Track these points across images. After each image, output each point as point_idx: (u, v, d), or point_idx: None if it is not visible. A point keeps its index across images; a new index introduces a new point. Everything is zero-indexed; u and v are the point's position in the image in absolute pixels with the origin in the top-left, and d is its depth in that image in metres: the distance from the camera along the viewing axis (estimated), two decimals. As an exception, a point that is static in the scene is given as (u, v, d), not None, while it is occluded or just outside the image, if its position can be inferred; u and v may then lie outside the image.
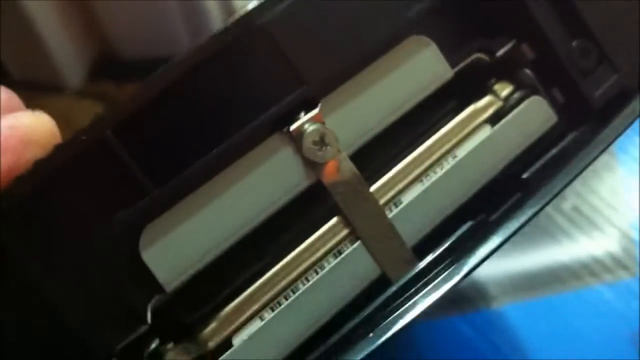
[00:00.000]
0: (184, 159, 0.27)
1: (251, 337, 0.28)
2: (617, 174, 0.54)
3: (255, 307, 0.28)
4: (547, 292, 0.48)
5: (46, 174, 0.25)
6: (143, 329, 0.26)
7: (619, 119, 0.31)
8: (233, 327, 0.28)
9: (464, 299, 0.48)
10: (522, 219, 0.30)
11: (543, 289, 0.49)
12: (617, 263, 0.50)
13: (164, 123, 0.27)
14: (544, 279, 0.49)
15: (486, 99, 0.32)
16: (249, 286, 0.29)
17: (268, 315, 0.28)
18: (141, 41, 0.75)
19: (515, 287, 0.49)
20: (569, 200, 0.52)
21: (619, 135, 0.31)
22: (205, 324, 0.28)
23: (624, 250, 0.50)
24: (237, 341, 0.28)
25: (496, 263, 0.49)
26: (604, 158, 0.45)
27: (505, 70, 0.33)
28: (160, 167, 0.26)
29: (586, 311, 0.48)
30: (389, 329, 0.28)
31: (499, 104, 0.32)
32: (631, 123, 0.31)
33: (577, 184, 0.51)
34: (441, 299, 0.29)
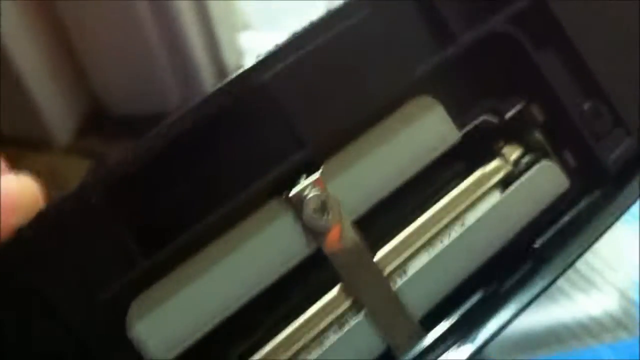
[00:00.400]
0: (177, 226, 0.25)
1: None
2: (616, 232, 0.51)
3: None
4: (546, 352, 0.47)
5: (28, 240, 0.23)
6: None
7: (634, 184, 0.30)
8: None
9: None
10: (535, 290, 0.28)
11: (541, 349, 0.47)
12: (616, 323, 0.48)
13: (155, 187, 0.25)
14: (542, 338, 0.47)
15: (494, 163, 0.31)
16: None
17: None
18: (130, 97, 0.75)
19: (513, 347, 0.47)
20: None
21: (635, 200, 0.30)
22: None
23: (624, 310, 0.48)
24: None
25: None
26: None
27: (515, 132, 0.31)
28: (151, 235, 0.25)
29: None
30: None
31: (508, 168, 0.31)
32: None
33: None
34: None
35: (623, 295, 0.49)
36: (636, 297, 0.49)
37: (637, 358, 0.46)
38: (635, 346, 0.47)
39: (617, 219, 0.30)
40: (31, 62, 0.67)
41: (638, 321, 0.48)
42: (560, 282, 0.48)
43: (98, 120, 0.75)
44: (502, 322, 0.28)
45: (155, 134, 0.24)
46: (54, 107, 0.71)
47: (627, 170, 0.31)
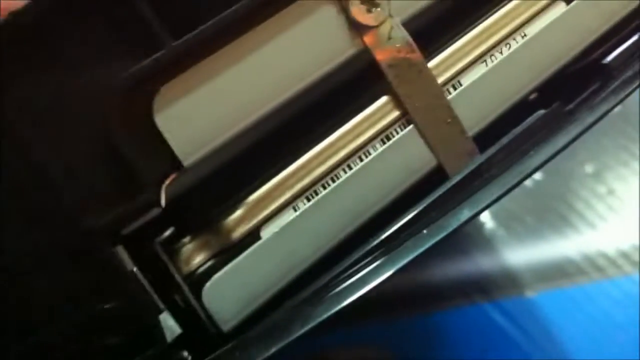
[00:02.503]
0: (208, 9, 0.22)
1: (283, 229, 0.23)
2: (627, 165, 0.49)
3: (289, 195, 0.24)
4: (582, 280, 0.45)
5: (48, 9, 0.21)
6: (154, 212, 0.22)
7: None
8: (262, 216, 0.24)
9: (495, 285, 0.44)
10: (603, 108, 0.25)
11: (578, 276, 0.45)
12: (625, 258, 0.46)
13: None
14: (579, 266, 0.45)
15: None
16: (281, 171, 0.24)
17: (303, 205, 0.24)
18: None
19: (549, 274, 0.45)
20: (605, 184, 0.48)
21: None
22: (230, 212, 0.23)
23: (633, 245, 0.46)
24: (265, 233, 0.23)
25: (529, 249, 0.45)
26: None
27: None
28: (179, 16, 0.22)
29: (623, 300, 0.44)
30: (444, 227, 0.24)
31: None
32: None
33: (613, 166, 0.48)
34: (504, 199, 0.24)
35: (633, 229, 0.46)
36: (646, 230, 0.46)
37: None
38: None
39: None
40: None
41: (647, 255, 0.46)
42: (599, 206, 0.47)
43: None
44: (568, 141, 0.25)
45: None
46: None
47: None
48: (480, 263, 0.45)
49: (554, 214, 0.46)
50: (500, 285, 0.44)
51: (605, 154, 0.48)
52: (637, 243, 0.46)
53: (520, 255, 0.45)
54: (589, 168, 0.48)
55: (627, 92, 0.26)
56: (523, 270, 0.45)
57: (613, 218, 0.47)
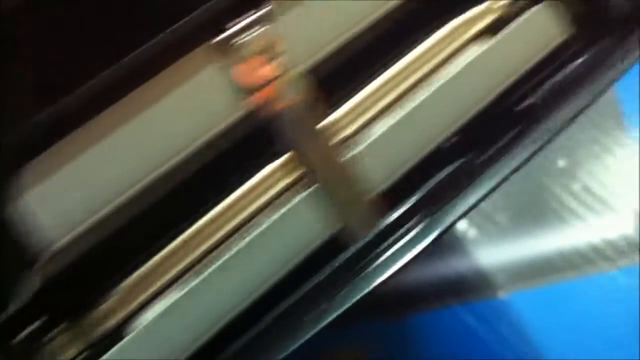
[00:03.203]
0: (79, 73, 0.20)
1: (162, 315, 0.21)
2: (629, 149, 0.48)
3: (171, 274, 0.22)
4: (557, 279, 0.45)
5: None
6: (13, 308, 0.20)
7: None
8: (139, 301, 0.22)
9: (468, 287, 0.44)
10: (522, 156, 0.24)
11: (552, 275, 0.45)
12: (632, 246, 0.45)
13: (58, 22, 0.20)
14: (554, 264, 0.45)
15: (482, 7, 0.25)
16: (161, 250, 0.22)
17: (186, 286, 0.22)
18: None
19: (523, 274, 0.45)
20: (579, 180, 0.47)
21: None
22: (103, 299, 0.21)
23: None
24: (142, 322, 0.21)
25: (502, 249, 0.45)
26: (614, 133, 0.45)
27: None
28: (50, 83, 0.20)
29: (599, 298, 0.44)
30: (348, 298, 0.22)
31: (497, 13, 0.25)
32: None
33: (587, 162, 0.47)
34: (416, 261, 0.23)
35: (606, 225, 0.46)
36: (654, 216, 0.46)
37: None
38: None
39: (622, 73, 0.24)
40: None
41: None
42: (572, 203, 0.46)
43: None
44: (477, 198, 0.23)
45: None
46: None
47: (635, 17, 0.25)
48: (452, 265, 0.44)
49: (527, 212, 0.46)
50: (472, 287, 0.44)
51: (577, 148, 0.47)
52: (611, 239, 0.45)
53: (492, 255, 0.44)
54: (561, 163, 0.47)
55: (550, 136, 0.24)
56: (496, 271, 0.44)
57: (587, 214, 0.46)
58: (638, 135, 0.48)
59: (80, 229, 0.20)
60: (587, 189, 0.47)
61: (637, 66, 0.25)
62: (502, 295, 0.44)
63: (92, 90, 0.20)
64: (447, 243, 0.44)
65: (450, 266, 0.44)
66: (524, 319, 0.43)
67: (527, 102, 0.25)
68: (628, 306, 0.43)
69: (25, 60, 0.20)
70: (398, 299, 0.43)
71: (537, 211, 0.45)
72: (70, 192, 0.20)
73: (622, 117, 0.47)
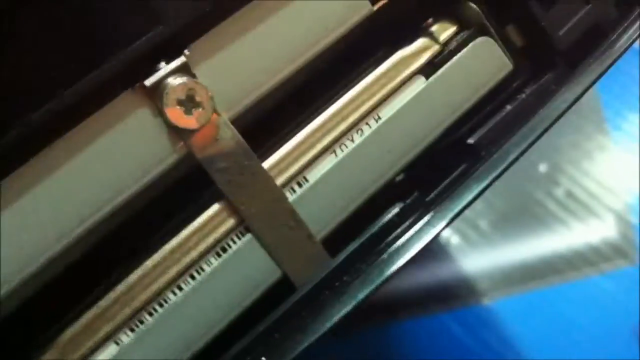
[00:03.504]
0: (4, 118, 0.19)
1: None
2: (612, 153, 0.49)
3: (109, 327, 0.21)
4: (541, 285, 0.44)
5: None
6: None
7: (591, 63, 0.24)
8: (77, 355, 0.20)
9: (452, 294, 0.44)
10: (469, 196, 0.23)
11: (537, 281, 0.45)
12: (615, 251, 0.45)
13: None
14: (538, 270, 0.45)
15: (419, 42, 0.25)
16: (99, 299, 0.21)
17: (126, 337, 0.21)
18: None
19: (507, 280, 0.44)
20: (561, 185, 0.47)
21: (591, 84, 0.24)
22: (39, 353, 0.20)
23: (623, 236, 0.46)
24: None
25: (485, 255, 0.45)
26: (597, 138, 0.45)
27: (446, 6, 0.25)
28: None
29: (584, 303, 0.44)
30: (291, 349, 0.21)
31: (436, 48, 0.25)
32: (608, 67, 0.24)
33: (569, 166, 0.47)
34: (363, 306, 0.22)
35: (622, 220, 0.46)
36: (636, 220, 0.46)
37: (638, 286, 0.43)
38: (635, 274, 0.44)
39: (569, 106, 0.24)
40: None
41: (638, 247, 0.45)
42: (555, 209, 0.46)
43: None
44: (429, 240, 0.22)
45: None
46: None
47: (582, 46, 0.25)
48: (436, 272, 0.44)
49: (510, 218, 0.46)
50: (456, 294, 0.44)
51: (560, 153, 0.47)
52: (595, 244, 0.45)
53: (475, 262, 0.44)
54: (543, 168, 0.47)
55: (495, 174, 0.23)
56: (479, 278, 0.44)
57: (570, 220, 0.46)
58: (621, 140, 0.48)
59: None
60: (569, 194, 0.47)
61: (620, 70, 0.25)
62: (487, 302, 0.44)
63: (14, 140, 0.19)
64: (429, 249, 0.44)
65: (434, 274, 0.44)
66: (508, 325, 0.43)
67: (473, 137, 0.24)
68: (612, 311, 0.42)
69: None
70: (382, 307, 0.43)
71: (520, 217, 0.45)
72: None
73: (604, 122, 0.47)
